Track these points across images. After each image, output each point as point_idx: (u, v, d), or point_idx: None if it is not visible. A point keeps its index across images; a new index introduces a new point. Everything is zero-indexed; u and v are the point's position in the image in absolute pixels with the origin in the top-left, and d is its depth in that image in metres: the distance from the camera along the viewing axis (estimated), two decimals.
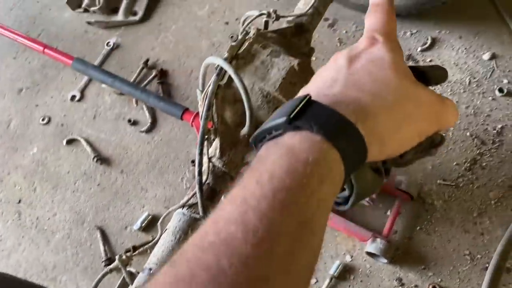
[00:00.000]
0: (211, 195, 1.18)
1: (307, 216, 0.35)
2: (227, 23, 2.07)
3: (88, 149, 1.84)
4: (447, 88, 1.72)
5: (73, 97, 2.00)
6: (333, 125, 0.37)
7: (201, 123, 1.15)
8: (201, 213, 1.13)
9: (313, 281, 1.51)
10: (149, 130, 1.87)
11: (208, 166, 1.18)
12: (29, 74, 2.11)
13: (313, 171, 0.35)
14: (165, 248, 1.10)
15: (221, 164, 1.20)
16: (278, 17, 1.16)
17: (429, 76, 0.46)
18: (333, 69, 0.43)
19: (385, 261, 1.46)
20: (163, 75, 1.97)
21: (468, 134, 1.65)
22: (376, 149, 0.39)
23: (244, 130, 1.18)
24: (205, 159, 1.11)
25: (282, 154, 0.36)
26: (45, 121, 1.96)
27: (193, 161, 1.77)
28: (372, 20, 0.46)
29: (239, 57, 1.18)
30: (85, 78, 2.02)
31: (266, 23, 1.17)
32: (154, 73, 1.97)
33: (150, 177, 1.77)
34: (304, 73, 1.20)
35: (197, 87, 1.10)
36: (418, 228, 1.54)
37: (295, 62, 1.18)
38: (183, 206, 1.16)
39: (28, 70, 2.13)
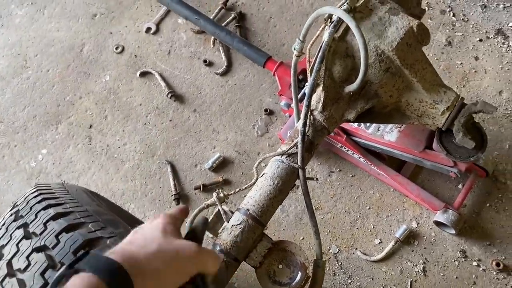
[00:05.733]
0: (309, 147, 1.19)
1: None
2: None
3: (162, 84, 1.84)
4: None
5: (148, 29, 1.98)
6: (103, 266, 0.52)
7: (312, 75, 1.14)
8: (299, 163, 1.15)
9: (377, 241, 1.54)
10: (224, 73, 1.86)
11: (309, 119, 1.19)
12: (104, 0, 2.09)
13: None
14: (263, 192, 1.13)
15: (322, 118, 1.20)
16: None
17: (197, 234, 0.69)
18: None
19: (453, 232, 1.48)
20: (241, 18, 1.94)
21: None
22: (142, 284, 0.53)
23: (352, 87, 1.17)
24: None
25: None
26: (118, 50, 1.95)
27: (266, 110, 1.78)
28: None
29: (357, 10, 1.15)
30: (161, 11, 1.99)
31: None
32: (232, 15, 1.93)
33: (222, 120, 1.79)
34: (421, 36, 1.17)
35: (275, 35, 1.08)
36: (488, 205, 1.55)
37: (414, 23, 1.14)
38: (282, 154, 1.17)
39: None
